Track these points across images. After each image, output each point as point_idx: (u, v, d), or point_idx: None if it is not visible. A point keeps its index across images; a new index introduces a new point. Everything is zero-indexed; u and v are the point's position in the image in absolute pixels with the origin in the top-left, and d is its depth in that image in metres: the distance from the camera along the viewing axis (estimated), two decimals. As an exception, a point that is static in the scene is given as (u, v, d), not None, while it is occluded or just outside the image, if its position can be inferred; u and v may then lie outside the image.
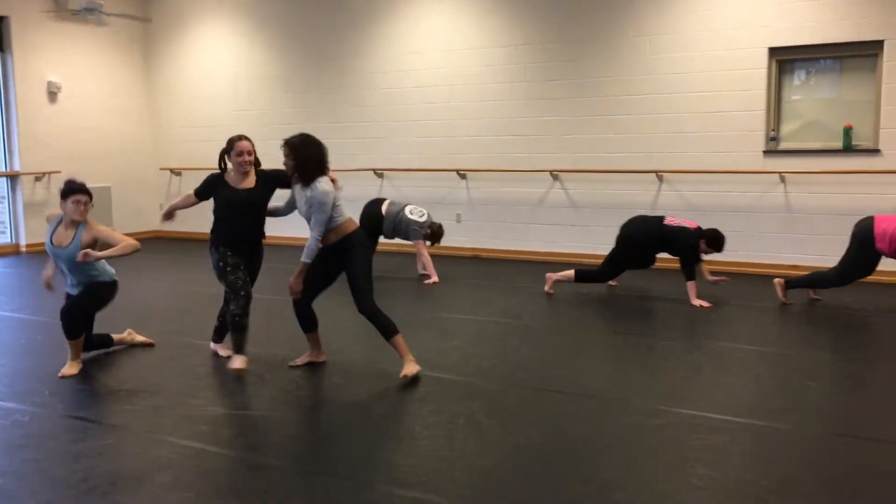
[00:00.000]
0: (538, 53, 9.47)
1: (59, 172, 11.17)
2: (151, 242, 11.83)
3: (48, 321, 6.35)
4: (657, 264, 7.54)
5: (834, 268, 6.70)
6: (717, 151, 8.62)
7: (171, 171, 12.36)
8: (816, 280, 6.90)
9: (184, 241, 11.75)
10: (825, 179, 8.20)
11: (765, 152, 8.44)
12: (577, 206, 9.44)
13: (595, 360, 5.40)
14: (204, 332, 5.73)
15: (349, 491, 3.29)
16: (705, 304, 6.85)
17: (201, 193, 5.18)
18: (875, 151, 7.96)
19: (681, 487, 3.32)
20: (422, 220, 8.21)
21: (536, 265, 9.02)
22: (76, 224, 5.09)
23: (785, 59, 8.39)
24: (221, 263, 5.00)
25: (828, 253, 7.91)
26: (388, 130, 10.54)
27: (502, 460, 3.61)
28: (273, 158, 11.71)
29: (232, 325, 4.91)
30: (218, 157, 5.18)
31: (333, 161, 11.27)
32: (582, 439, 3.88)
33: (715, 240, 6.97)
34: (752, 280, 8.03)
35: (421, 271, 8.44)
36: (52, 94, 11.21)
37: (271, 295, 6.81)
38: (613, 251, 7.36)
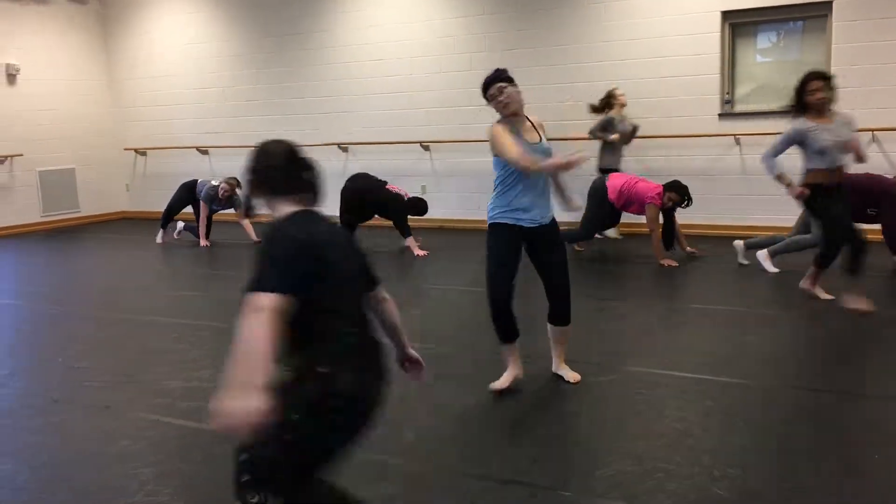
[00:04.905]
0: (496, 23, 9.50)
1: (20, 155, 11.11)
2: (117, 224, 11.81)
3: (10, 303, 6.39)
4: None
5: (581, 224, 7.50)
6: (673, 116, 8.72)
7: (136, 151, 12.30)
8: (567, 236, 7.37)
9: (149, 222, 11.72)
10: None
11: (720, 115, 8.56)
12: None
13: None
14: (163, 309, 5.79)
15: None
16: (422, 252, 8.06)
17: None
18: (826, 111, 8.08)
19: (620, 439, 3.45)
20: (215, 183, 9.19)
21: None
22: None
23: (738, 22, 8.48)
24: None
25: (783, 213, 8.07)
26: (351, 104, 10.55)
27: (449, 421, 3.72)
28: (238, 135, 11.63)
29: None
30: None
31: (297, 135, 11.18)
32: (529, 398, 4.00)
33: (420, 208, 8.36)
34: (710, 241, 8.18)
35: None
36: (11, 77, 11.08)
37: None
38: (341, 208, 8.27)
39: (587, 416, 3.78)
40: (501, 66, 4.46)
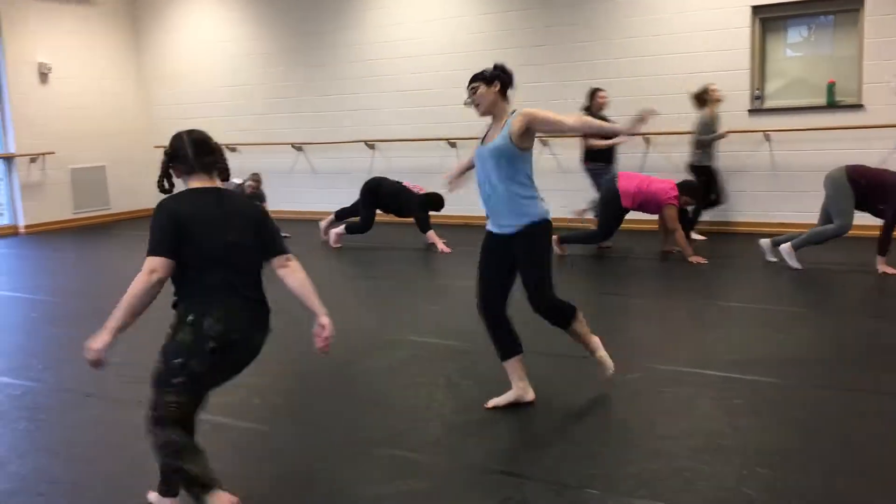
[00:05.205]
0: (523, 20, 9.48)
1: (53, 153, 11.27)
2: (147, 221, 11.91)
3: (44, 299, 6.49)
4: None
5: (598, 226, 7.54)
6: (702, 112, 8.65)
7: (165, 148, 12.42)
8: (582, 237, 7.57)
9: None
10: (810, 136, 8.23)
11: (750, 111, 8.48)
12: (566, 171, 9.49)
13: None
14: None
15: (331, 448, 3.43)
16: (446, 249, 8.07)
17: None
18: (858, 107, 7.99)
19: (647, 437, 3.44)
20: (238, 181, 9.22)
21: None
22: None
23: (768, 17, 8.40)
24: None
25: (813, 209, 7.98)
26: (377, 102, 10.60)
27: (475, 417, 3.73)
28: (266, 133, 11.68)
29: None
30: None
31: (324, 133, 11.26)
32: (555, 395, 4.00)
33: (435, 202, 8.43)
34: (740, 239, 8.12)
35: None
36: (43, 76, 11.25)
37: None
38: (361, 202, 8.48)
39: (614, 413, 3.77)
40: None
